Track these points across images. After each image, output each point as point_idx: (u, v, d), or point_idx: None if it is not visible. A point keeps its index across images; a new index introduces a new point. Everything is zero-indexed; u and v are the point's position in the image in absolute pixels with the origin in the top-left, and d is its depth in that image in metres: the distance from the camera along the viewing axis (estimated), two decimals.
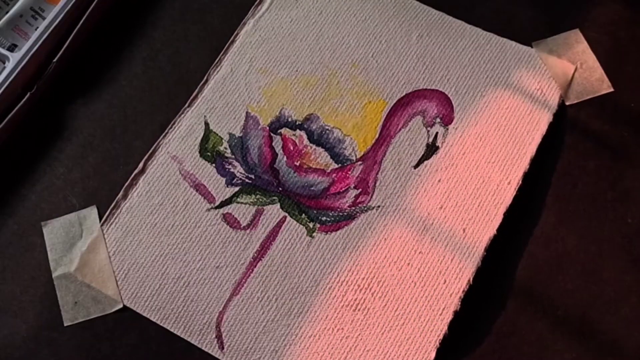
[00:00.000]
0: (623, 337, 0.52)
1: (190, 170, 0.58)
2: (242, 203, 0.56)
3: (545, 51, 0.62)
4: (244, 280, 0.54)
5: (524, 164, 0.57)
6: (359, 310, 0.52)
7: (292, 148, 0.59)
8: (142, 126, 0.61)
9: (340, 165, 0.58)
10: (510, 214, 0.55)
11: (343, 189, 0.57)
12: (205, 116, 0.60)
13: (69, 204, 0.58)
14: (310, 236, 0.55)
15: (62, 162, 0.60)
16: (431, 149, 0.58)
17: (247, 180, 0.57)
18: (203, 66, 0.63)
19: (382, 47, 0.63)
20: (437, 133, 0.59)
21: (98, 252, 0.55)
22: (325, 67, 0.62)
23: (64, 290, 0.54)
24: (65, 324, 0.53)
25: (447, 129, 0.59)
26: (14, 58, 0.58)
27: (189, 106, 0.61)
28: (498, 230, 0.54)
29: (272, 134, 0.59)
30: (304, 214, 0.56)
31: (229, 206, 0.56)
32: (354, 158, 0.58)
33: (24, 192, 0.59)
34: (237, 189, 0.57)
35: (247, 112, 0.60)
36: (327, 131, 0.59)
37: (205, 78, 0.62)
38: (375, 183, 0.57)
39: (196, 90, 0.61)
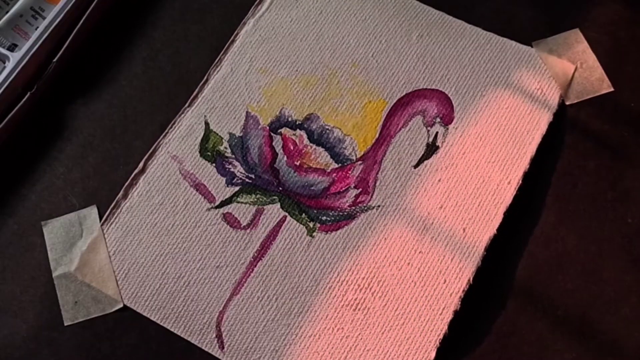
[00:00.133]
0: (623, 337, 0.52)
1: (191, 170, 0.58)
2: (242, 203, 0.56)
3: (545, 51, 0.62)
4: (244, 280, 0.54)
5: (524, 164, 0.57)
6: (359, 309, 0.52)
7: (292, 148, 0.59)
8: (142, 126, 0.61)
9: (340, 164, 0.58)
10: (510, 214, 0.55)
11: (343, 188, 0.57)
12: (205, 116, 0.60)
13: (69, 204, 0.58)
14: (311, 236, 0.55)
15: (62, 162, 0.60)
16: (431, 149, 0.58)
17: (247, 180, 0.57)
18: (203, 66, 0.63)
19: (382, 46, 0.63)
20: (437, 133, 0.59)
21: (98, 251, 0.55)
22: (326, 66, 0.62)
23: (64, 289, 0.54)
24: (65, 324, 0.53)
25: (447, 129, 0.59)
26: (14, 58, 0.58)
27: (189, 106, 0.61)
28: (498, 229, 0.54)
29: (272, 134, 0.59)
30: (304, 214, 0.56)
31: (229, 206, 0.56)
32: (354, 158, 0.58)
33: (24, 192, 0.59)
34: (237, 188, 0.57)
35: (247, 112, 0.60)
36: (327, 131, 0.59)
37: (205, 78, 0.62)
38: (375, 183, 0.57)
39: (196, 90, 0.61)
